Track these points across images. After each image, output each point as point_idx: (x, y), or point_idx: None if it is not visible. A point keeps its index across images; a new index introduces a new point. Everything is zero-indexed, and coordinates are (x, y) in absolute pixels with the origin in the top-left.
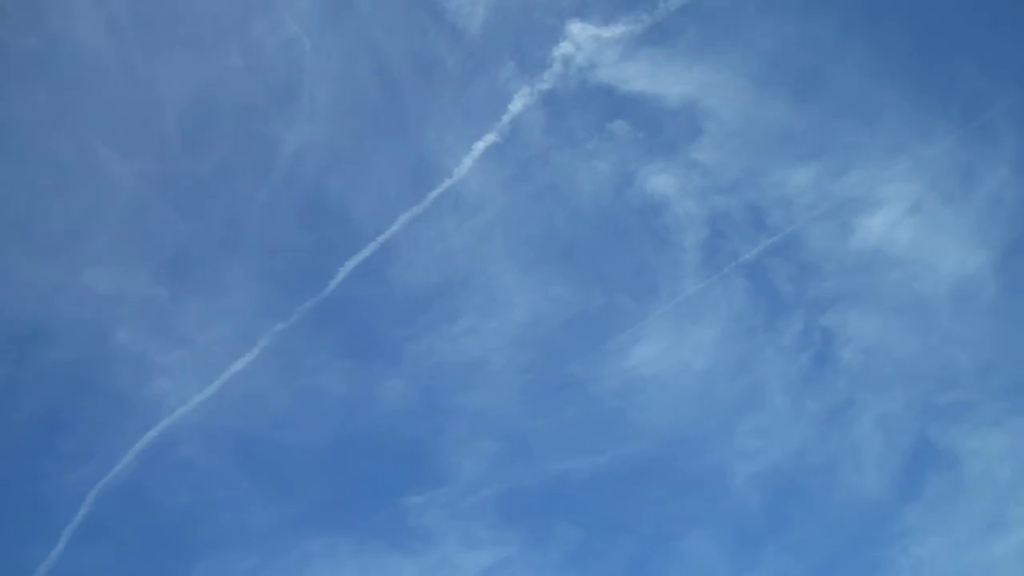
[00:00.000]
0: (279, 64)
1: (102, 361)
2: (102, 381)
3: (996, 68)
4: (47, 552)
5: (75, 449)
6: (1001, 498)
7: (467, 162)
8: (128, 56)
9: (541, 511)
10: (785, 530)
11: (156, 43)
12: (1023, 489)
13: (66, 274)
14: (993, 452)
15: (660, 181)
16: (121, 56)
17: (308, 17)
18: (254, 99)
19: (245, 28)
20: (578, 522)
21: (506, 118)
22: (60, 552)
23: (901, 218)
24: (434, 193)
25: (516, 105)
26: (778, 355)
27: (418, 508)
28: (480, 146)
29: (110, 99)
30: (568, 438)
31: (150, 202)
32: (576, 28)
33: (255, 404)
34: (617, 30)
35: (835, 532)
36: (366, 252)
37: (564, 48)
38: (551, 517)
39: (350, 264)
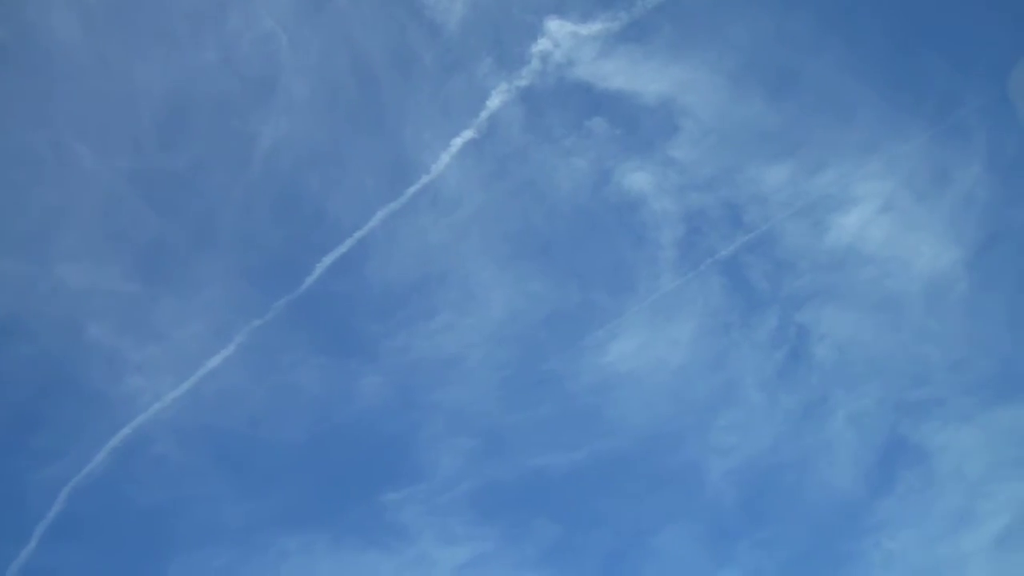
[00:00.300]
0: (255, 59)
1: (75, 357)
2: (75, 377)
3: (969, 66)
4: (18, 551)
5: (48, 446)
6: (971, 493)
7: (445, 158)
8: (102, 49)
9: (518, 507)
10: (760, 525)
11: (131, 37)
12: (993, 484)
13: (39, 269)
14: (964, 447)
15: (637, 178)
16: (95, 49)
17: (285, 12)
18: (230, 94)
19: (221, 22)
20: (555, 517)
21: (484, 114)
22: (32, 550)
23: (875, 215)
24: (412, 189)
25: (494, 101)
26: (753, 351)
27: (395, 504)
28: (458, 142)
29: (84, 93)
30: (545, 434)
31: (124, 197)
32: (554, 25)
33: (231, 401)
34: (595, 27)
35: (808, 527)
36: (343, 248)
37: (542, 45)
38: (528, 513)
39: (327, 260)
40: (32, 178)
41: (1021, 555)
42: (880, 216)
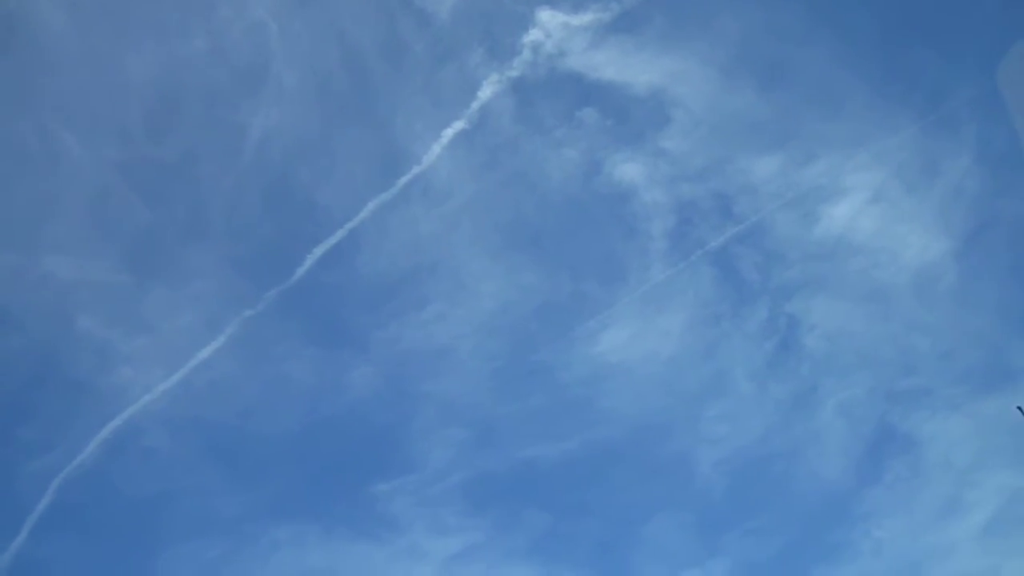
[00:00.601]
0: (245, 49)
1: (65, 349)
2: (65, 369)
3: (958, 59)
4: (9, 542)
5: (38, 438)
6: (959, 482)
7: (436, 149)
8: (91, 40)
9: (509, 497)
10: (749, 514)
11: (120, 27)
12: (980, 472)
13: (28, 260)
14: (952, 436)
15: (628, 169)
16: (84, 40)
17: (275, 1)
18: (220, 84)
19: (211, 12)
20: (545, 507)
21: (475, 105)
22: (22, 541)
23: (864, 207)
24: (403, 180)
25: (485, 92)
26: (743, 342)
27: (386, 495)
28: (449, 133)
29: (72, 83)
30: (536, 425)
31: (114, 188)
32: (545, 15)
33: (222, 392)
34: (586, 18)
35: (798, 516)
36: (334, 239)
37: (533, 35)
38: (519, 503)
39: (318, 251)
40: (20, 169)
41: (1007, 543)
42: (870, 207)
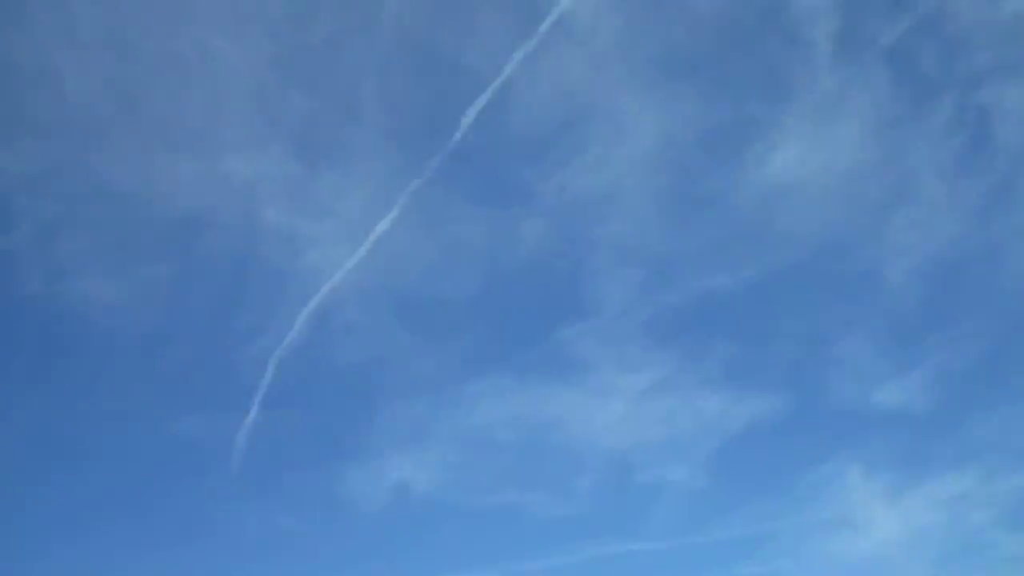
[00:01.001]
0: None
1: (257, 241)
2: (261, 260)
3: None
4: (243, 419)
5: (249, 325)
6: None
7: None
8: None
9: (692, 329)
10: (948, 322)
11: None
12: None
13: (208, 165)
14: None
15: None
16: None
17: None
18: None
19: None
20: (731, 336)
21: None
22: (254, 417)
23: None
24: (544, 25)
25: None
26: (928, 142)
27: (572, 339)
28: None
29: None
30: (711, 255)
31: (269, 83)
32: None
33: (404, 261)
34: None
35: (1003, 320)
36: (485, 97)
37: None
38: (703, 334)
39: (472, 111)
40: (186, 81)
41: None
42: None
